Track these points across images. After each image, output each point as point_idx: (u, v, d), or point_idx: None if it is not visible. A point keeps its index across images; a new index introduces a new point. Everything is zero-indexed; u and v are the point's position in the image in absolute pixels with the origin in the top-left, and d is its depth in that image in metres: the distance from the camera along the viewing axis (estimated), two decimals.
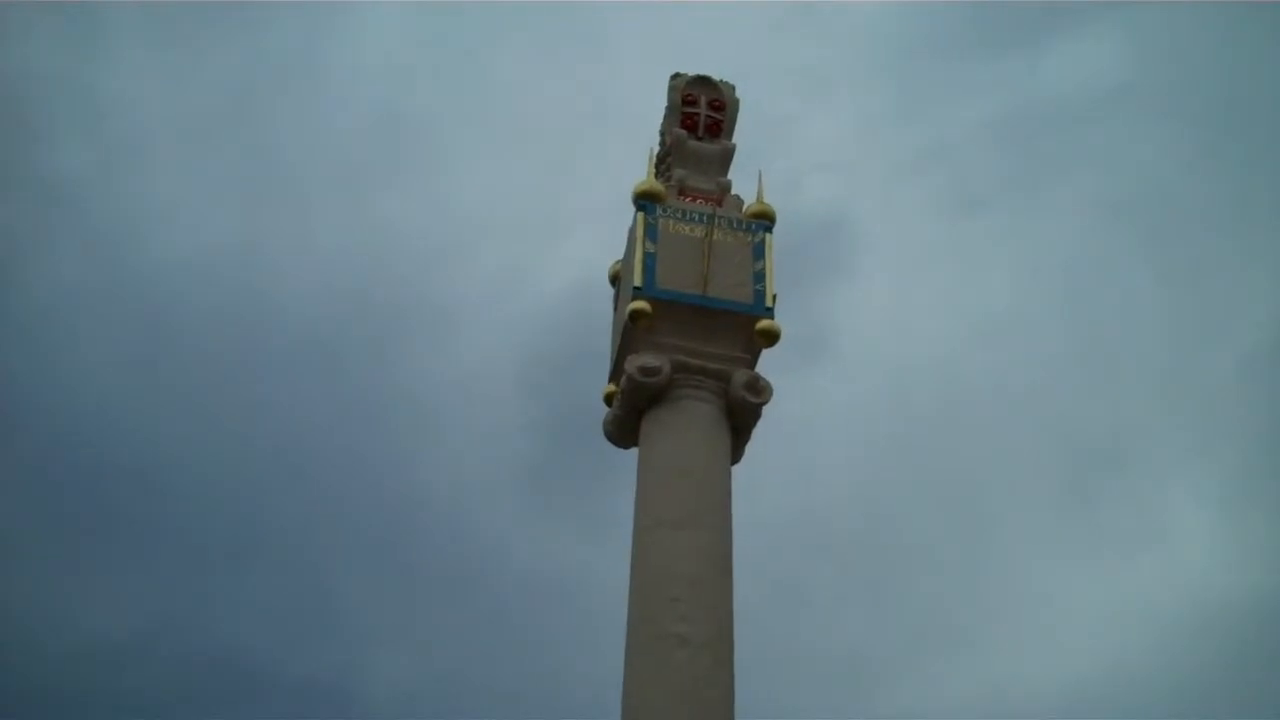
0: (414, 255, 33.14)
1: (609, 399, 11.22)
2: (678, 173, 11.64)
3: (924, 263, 33.44)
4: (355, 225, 33.37)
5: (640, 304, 10.75)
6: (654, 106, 12.23)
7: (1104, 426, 30.94)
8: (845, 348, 29.95)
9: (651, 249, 11.03)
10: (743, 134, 12.05)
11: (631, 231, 11.40)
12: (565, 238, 33.06)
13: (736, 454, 10.96)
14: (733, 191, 11.71)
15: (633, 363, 10.71)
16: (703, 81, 12.02)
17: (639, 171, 11.52)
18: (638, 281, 10.87)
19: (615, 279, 11.92)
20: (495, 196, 33.88)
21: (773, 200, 11.58)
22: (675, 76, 12.01)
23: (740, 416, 10.85)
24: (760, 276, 11.11)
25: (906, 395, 31.22)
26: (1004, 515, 30.52)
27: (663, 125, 12.06)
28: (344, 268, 32.29)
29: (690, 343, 10.81)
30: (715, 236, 11.12)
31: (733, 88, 12.03)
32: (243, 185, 32.76)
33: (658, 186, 11.37)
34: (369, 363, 31.88)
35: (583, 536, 27.49)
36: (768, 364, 11.13)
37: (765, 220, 11.43)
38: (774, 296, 11.05)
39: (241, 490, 30.20)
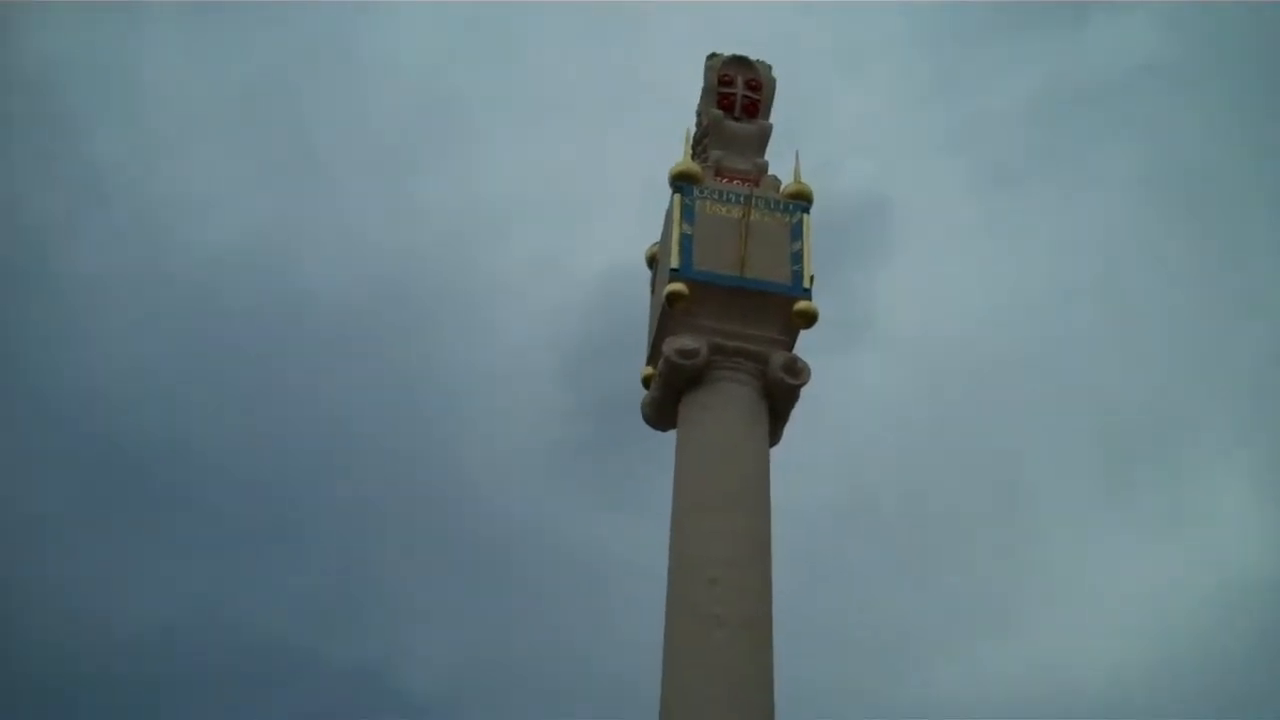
0: (449, 240, 33.23)
1: (647, 381, 11.21)
2: (714, 154, 11.59)
3: (962, 240, 33.33)
4: (390, 211, 33.49)
5: (677, 286, 10.73)
6: (690, 88, 12.22)
7: (1142, 405, 30.77)
8: (884, 328, 29.88)
9: (688, 230, 10.99)
10: (779, 114, 12.01)
11: (668, 213, 11.36)
12: (601, 221, 33.07)
13: (774, 436, 10.94)
14: (770, 172, 11.65)
15: (670, 345, 10.69)
16: (739, 61, 11.94)
17: (675, 154, 11.49)
18: (675, 263, 10.83)
19: (652, 261, 11.89)
20: (531, 180, 33.90)
21: (810, 181, 11.52)
22: (712, 57, 11.95)
23: (778, 398, 10.83)
24: (798, 257, 11.06)
25: (945, 375, 31.14)
26: (1043, 495, 30.42)
27: (699, 106, 12.01)
28: (379, 253, 32.41)
29: (728, 324, 10.78)
30: (752, 217, 11.08)
31: (769, 67, 11.96)
32: (278, 172, 32.92)
33: (694, 168, 11.33)
34: (404, 349, 31.98)
35: (622, 519, 27.54)
36: (806, 345, 11.10)
37: (803, 201, 11.36)
38: (812, 277, 11.00)
39: (281, 476, 30.43)
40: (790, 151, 11.65)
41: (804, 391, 10.91)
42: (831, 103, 31.23)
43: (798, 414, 11.10)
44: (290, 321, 31.43)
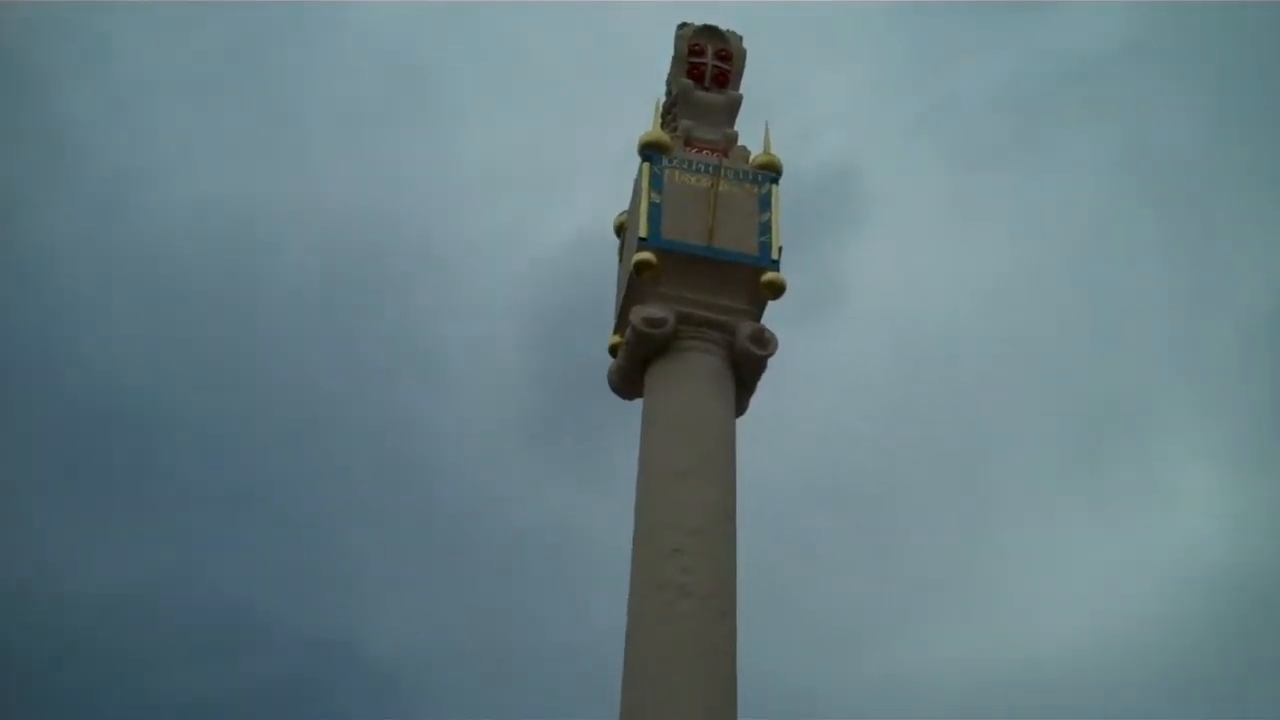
0: (419, 208, 33.17)
1: (614, 350, 11.25)
2: (684, 123, 11.64)
3: (933, 219, 33.41)
4: (360, 177, 33.36)
5: (645, 255, 10.75)
6: (663, 57, 12.23)
7: (1110, 387, 30.98)
8: (854, 302, 29.98)
9: (657, 199, 11.02)
10: (752, 87, 12.04)
11: (637, 182, 11.39)
12: (573, 189, 33.05)
13: (741, 406, 10.98)
14: (739, 143, 11.71)
15: (637, 314, 10.73)
16: (710, 31, 11.97)
17: (647, 123, 11.51)
18: (643, 232, 10.87)
19: (621, 230, 11.92)
20: (502, 148, 33.82)
21: (782, 153, 11.55)
22: (682, 26, 11.98)
23: (745, 369, 10.88)
24: (766, 228, 11.10)
25: (915, 350, 31.32)
26: (1009, 474, 30.67)
27: (669, 75, 12.04)
28: (348, 220, 32.28)
29: (696, 294, 10.82)
30: (721, 188, 11.12)
31: (740, 38, 12.00)
32: (247, 135, 32.74)
33: (663, 137, 11.36)
34: (373, 316, 31.93)
35: (590, 488, 27.63)
36: (774, 316, 11.16)
37: (771, 172, 11.42)
38: (780, 249, 11.05)
39: (243, 443, 30.33)
40: (762, 123, 11.71)
41: (771, 363, 10.96)
42: (806, 78, 31.28)
43: (765, 385, 11.16)
44: (260, 287, 31.35)
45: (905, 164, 32.79)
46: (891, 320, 30.89)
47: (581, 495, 27.93)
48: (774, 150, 11.53)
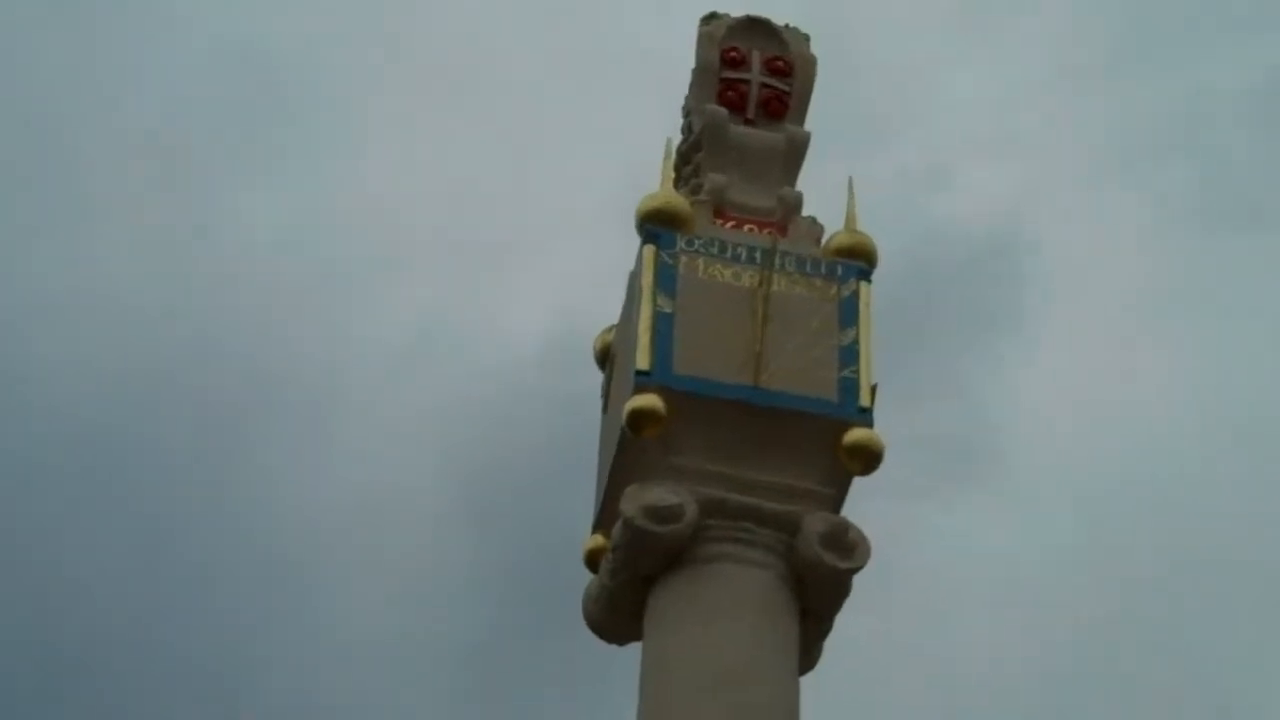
0: (281, 296, 33.35)
1: (592, 560, 11.16)
2: (713, 179, 11.60)
3: (1147, 310, 33.52)
4: (171, 251, 33.58)
5: (647, 400, 10.64)
6: (682, 64, 12.35)
7: None
8: (1010, 455, 30.03)
9: (667, 307, 10.90)
10: (827, 115, 12.12)
11: (634, 276, 11.31)
12: (534, 271, 33.27)
13: (809, 652, 10.91)
14: (805, 212, 11.74)
15: (635, 500, 10.52)
16: (756, 28, 12.03)
17: (650, 175, 11.60)
18: (643, 363, 10.70)
19: (606, 356, 11.92)
20: (419, 201, 34.11)
21: (882, 224, 11.58)
22: (709, 18, 11.99)
23: (815, 590, 10.69)
24: (851, 354, 10.99)
25: (1113, 529, 31.24)
26: None
27: (687, 101, 12.10)
28: (161, 318, 32.47)
29: (731, 467, 10.64)
30: (775, 287, 11.13)
31: (807, 38, 12.02)
32: None
33: (678, 202, 11.27)
34: (201, 476, 31.96)
35: None
36: (866, 495, 11.09)
37: (860, 260, 11.38)
38: (874, 387, 10.92)
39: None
40: (844, 177, 11.79)
41: (860, 579, 10.85)
42: (926, 89, 31.65)
43: (851, 609, 11.10)
44: (11, 430, 31.52)
45: (1099, 221, 33.03)
46: (1077, 480, 30.90)
47: None
48: (864, 224, 11.55)
